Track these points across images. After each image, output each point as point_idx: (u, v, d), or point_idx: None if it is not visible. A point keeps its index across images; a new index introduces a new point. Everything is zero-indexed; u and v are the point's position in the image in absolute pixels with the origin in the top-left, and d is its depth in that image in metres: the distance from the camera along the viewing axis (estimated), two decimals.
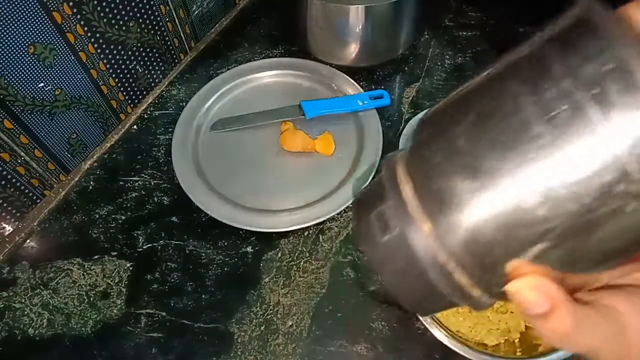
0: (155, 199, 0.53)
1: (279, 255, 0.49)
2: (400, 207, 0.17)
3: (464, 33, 0.69)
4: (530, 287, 0.16)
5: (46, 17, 0.44)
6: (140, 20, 0.56)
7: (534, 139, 0.14)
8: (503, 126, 0.15)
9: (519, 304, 0.16)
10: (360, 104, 0.58)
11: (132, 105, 0.60)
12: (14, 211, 0.50)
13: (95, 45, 0.51)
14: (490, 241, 0.16)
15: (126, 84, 0.58)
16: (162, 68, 0.63)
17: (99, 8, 0.49)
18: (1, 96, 0.44)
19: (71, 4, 0.46)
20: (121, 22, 0.53)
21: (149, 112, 0.61)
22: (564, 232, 0.15)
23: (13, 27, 0.42)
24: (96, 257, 0.49)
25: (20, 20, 0.42)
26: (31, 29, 0.44)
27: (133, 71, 0.58)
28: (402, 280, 0.18)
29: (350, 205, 0.52)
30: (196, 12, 0.65)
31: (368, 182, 0.52)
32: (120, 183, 0.55)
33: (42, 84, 0.47)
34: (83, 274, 0.48)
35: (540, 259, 0.16)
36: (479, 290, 0.17)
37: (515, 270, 0.16)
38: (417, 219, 0.17)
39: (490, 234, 0.15)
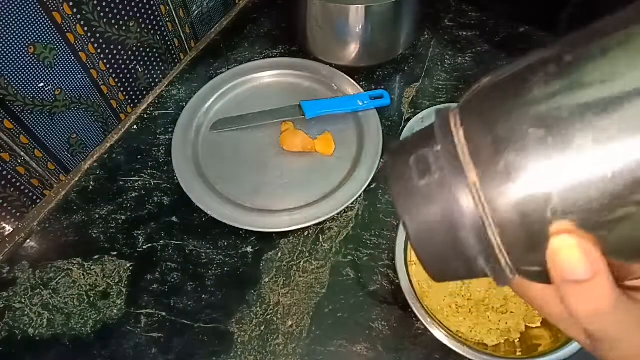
0: (155, 199, 0.53)
1: (279, 255, 0.49)
2: (447, 151, 0.16)
3: (464, 33, 0.69)
4: (576, 246, 0.14)
5: (46, 17, 0.44)
6: (140, 20, 0.56)
7: (622, 96, 0.13)
8: (588, 78, 0.14)
9: (558, 266, 0.15)
10: (360, 104, 0.58)
11: (132, 105, 0.60)
12: (14, 211, 0.50)
13: (95, 45, 0.51)
14: (541, 199, 0.14)
15: (126, 84, 0.58)
16: (162, 68, 0.63)
17: (99, 8, 0.49)
18: (1, 96, 0.44)
19: (71, 4, 0.46)
20: (121, 22, 0.53)
21: (149, 112, 0.61)
22: (631, 201, 0.13)
23: (13, 27, 0.42)
24: (96, 257, 0.49)
25: (20, 20, 0.42)
26: (31, 29, 0.44)
27: (133, 71, 0.58)
28: (429, 231, 0.16)
29: (351, 205, 0.52)
30: (196, 12, 0.65)
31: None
32: (120, 183, 0.55)
33: (42, 84, 0.47)
34: (83, 274, 0.48)
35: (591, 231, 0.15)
36: (507, 258, 0.16)
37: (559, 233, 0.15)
38: (464, 165, 0.15)
39: (544, 192, 0.14)
